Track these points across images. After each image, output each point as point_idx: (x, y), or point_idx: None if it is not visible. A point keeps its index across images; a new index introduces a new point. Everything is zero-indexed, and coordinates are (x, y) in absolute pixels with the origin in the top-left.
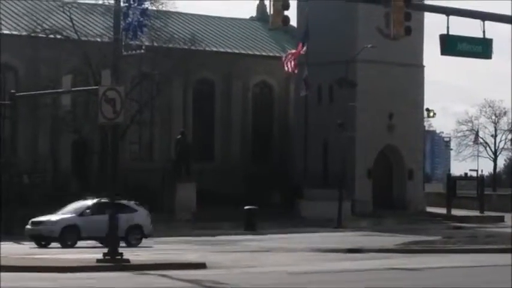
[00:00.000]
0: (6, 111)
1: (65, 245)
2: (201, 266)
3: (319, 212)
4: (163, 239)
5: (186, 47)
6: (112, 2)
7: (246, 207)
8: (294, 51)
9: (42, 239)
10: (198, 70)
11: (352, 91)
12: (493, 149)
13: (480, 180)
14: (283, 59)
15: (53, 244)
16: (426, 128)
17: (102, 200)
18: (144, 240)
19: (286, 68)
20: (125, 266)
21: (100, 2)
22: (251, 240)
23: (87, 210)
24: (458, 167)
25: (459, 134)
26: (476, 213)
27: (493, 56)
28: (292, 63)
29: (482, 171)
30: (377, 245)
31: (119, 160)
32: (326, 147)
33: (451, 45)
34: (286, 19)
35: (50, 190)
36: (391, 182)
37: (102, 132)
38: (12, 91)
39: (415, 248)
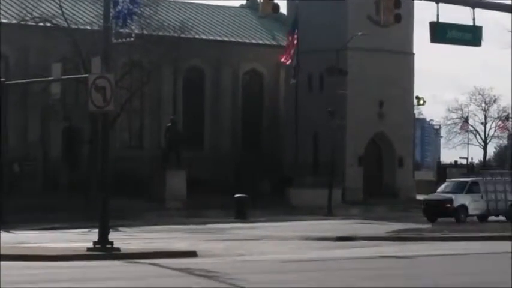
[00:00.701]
0: None
1: None
2: (192, 254)
3: (309, 200)
4: (154, 227)
5: (176, 35)
6: None
7: (237, 196)
8: (291, 41)
9: None
10: (188, 58)
11: (342, 79)
12: (482, 137)
13: (470, 168)
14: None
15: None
16: (416, 116)
17: None
18: None
19: (284, 60)
20: (115, 254)
21: None
22: (242, 228)
23: None
24: (448, 155)
25: (449, 122)
26: None
27: (483, 43)
28: (291, 52)
29: (472, 158)
30: (367, 232)
31: (108, 148)
32: (316, 135)
33: (440, 32)
34: (276, 6)
35: (40, 178)
36: (382, 169)
37: (92, 120)
38: (2, 79)
39: (405, 235)
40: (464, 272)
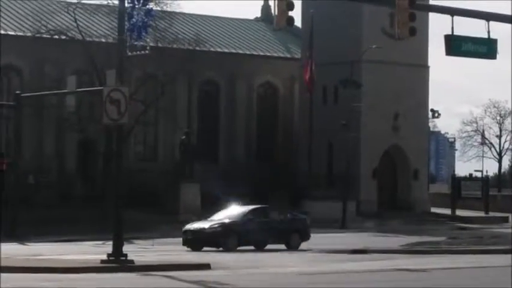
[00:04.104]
0: (11, 112)
1: None
2: (206, 266)
3: (323, 213)
4: (168, 239)
5: (190, 48)
6: (116, 2)
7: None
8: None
9: None
10: (203, 71)
11: (357, 92)
12: (497, 150)
13: (485, 181)
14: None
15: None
16: (431, 129)
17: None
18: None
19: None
20: (129, 267)
21: (104, 2)
22: None
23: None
24: (463, 168)
25: (464, 135)
26: (481, 213)
27: (498, 56)
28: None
29: (487, 171)
30: (382, 245)
31: (123, 161)
32: (331, 147)
33: (456, 45)
34: (291, 19)
35: (55, 190)
36: (396, 182)
37: (107, 132)
38: (17, 92)
39: (419, 248)
40: (477, 286)
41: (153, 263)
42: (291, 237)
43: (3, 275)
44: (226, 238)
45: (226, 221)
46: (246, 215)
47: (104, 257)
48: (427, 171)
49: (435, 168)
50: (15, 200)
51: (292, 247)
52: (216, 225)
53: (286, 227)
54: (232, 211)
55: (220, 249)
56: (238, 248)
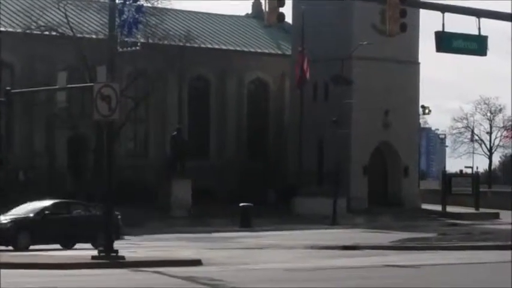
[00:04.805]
0: (1, 108)
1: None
2: (197, 262)
3: (314, 209)
4: (159, 235)
5: (181, 44)
6: None
7: (242, 204)
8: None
9: None
10: (193, 67)
11: (347, 88)
12: (488, 146)
13: (475, 177)
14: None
15: None
16: (421, 125)
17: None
18: None
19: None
20: (120, 262)
21: None
22: (246, 237)
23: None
24: (453, 164)
25: (454, 131)
26: (471, 210)
27: (488, 53)
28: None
29: (477, 168)
30: (372, 242)
31: (114, 157)
32: (321, 144)
33: (446, 42)
34: (281, 16)
35: (45, 187)
36: (387, 179)
37: (98, 129)
38: (8, 88)
39: (410, 245)
40: (467, 282)
41: (144, 259)
42: (99, 235)
43: None
44: (16, 236)
45: (18, 216)
46: (43, 210)
47: (95, 253)
48: (417, 168)
49: (426, 165)
50: (14, 196)
51: (99, 246)
52: (5, 222)
53: (93, 225)
54: (30, 206)
55: (10, 247)
56: (230, 245)
